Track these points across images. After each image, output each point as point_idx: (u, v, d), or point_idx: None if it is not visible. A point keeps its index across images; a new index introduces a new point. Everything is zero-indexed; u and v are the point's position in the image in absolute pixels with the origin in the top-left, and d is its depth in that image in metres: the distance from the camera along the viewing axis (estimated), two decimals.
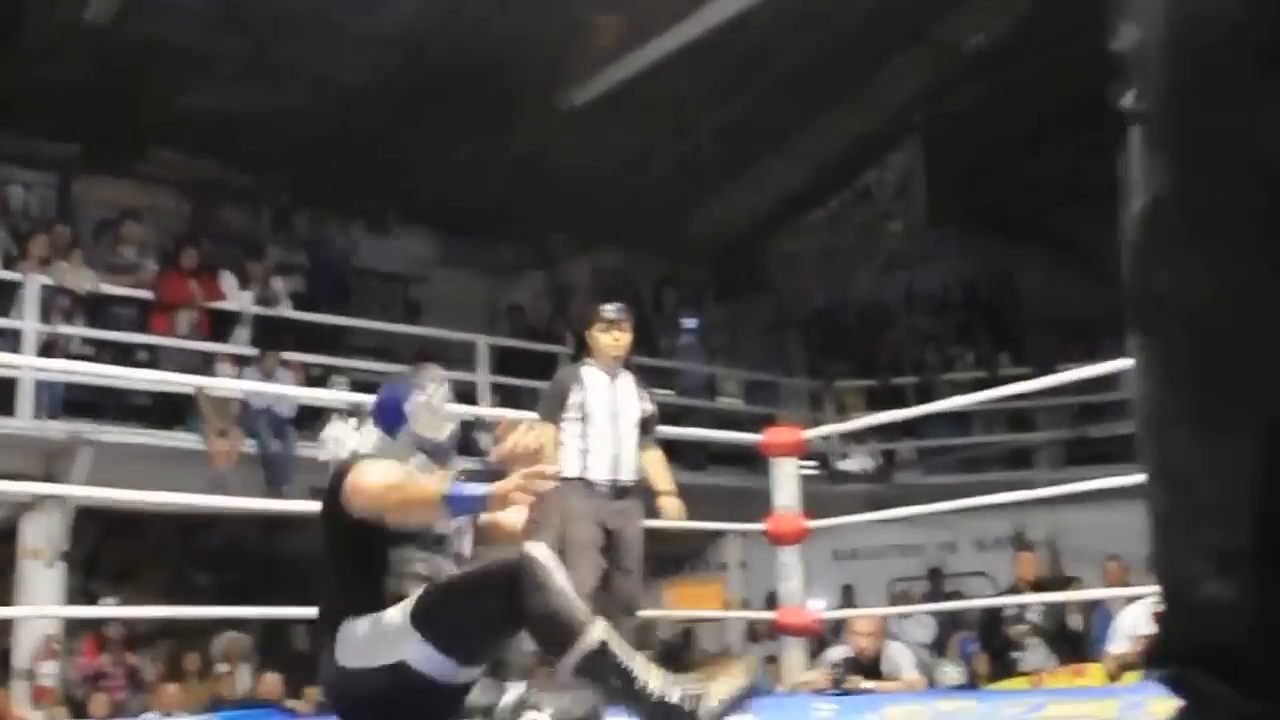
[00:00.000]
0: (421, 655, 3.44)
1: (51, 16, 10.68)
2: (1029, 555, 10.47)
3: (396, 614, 3.49)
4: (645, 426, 6.02)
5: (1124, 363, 6.49)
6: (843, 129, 14.24)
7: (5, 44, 10.79)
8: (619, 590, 5.80)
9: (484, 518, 3.83)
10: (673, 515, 6.00)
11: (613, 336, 6.04)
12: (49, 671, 9.28)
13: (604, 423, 5.86)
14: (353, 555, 3.64)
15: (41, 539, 9.56)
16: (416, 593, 3.53)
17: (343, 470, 3.63)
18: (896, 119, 14.44)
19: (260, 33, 11.05)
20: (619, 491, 5.84)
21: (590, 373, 6.04)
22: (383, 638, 3.49)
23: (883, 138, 15.04)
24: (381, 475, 3.52)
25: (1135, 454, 1.08)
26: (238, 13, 10.79)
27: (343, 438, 3.92)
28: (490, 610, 3.45)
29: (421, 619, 3.45)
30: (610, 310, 6.14)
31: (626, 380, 6.08)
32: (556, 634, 3.36)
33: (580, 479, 5.76)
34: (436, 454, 3.89)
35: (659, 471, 6.05)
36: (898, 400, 13.59)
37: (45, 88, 11.16)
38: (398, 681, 3.45)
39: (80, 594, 10.16)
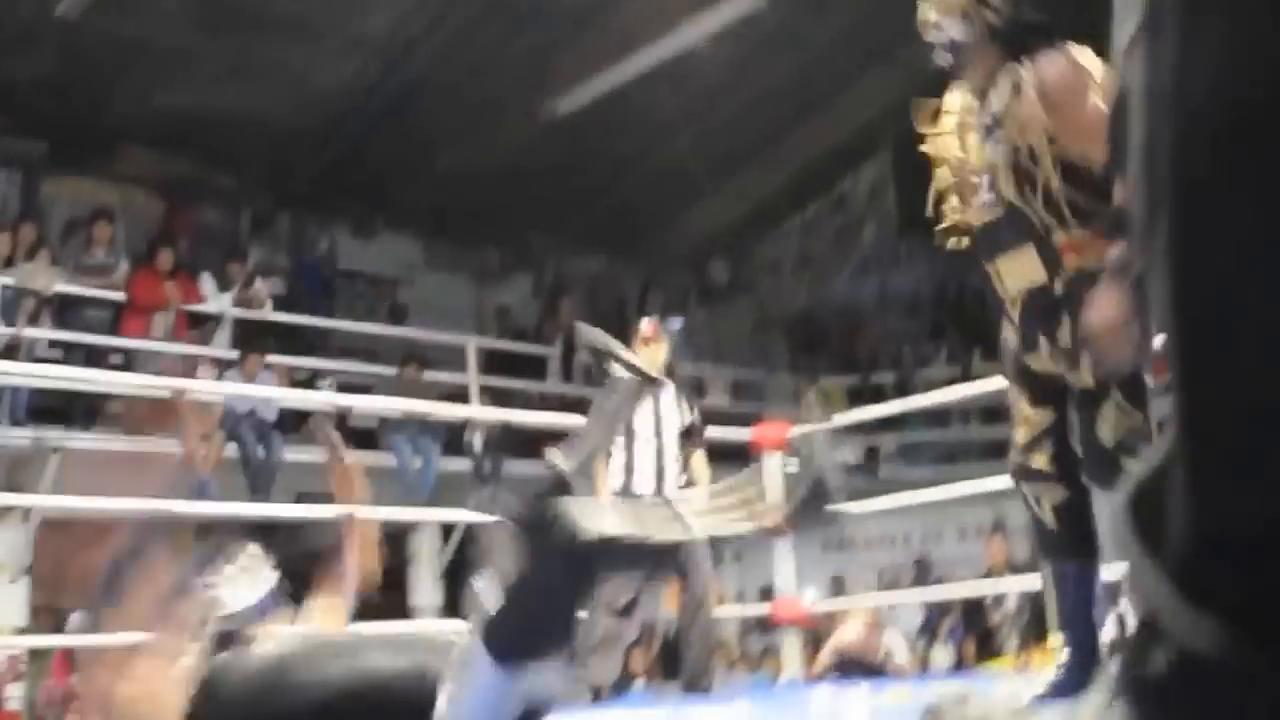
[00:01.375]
0: None
1: (17, 9, 9.44)
2: (999, 540, 10.12)
3: None
4: (689, 434, 5.76)
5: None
6: (817, 141, 13.81)
7: None
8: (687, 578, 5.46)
9: None
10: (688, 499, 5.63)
11: (649, 352, 5.75)
12: (14, 694, 8.11)
13: (648, 439, 5.59)
14: None
15: (3, 553, 8.28)
16: None
17: None
18: (867, 132, 13.87)
19: (241, 33, 10.05)
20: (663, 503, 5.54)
21: None
22: None
23: (855, 149, 14.65)
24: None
25: None
26: (217, 12, 9.83)
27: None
28: None
29: None
30: (644, 326, 5.91)
31: (668, 393, 5.77)
32: None
33: (625, 492, 5.48)
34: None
35: (699, 472, 5.81)
36: (878, 397, 12.82)
37: (10, 83, 9.91)
38: None
39: (46, 611, 8.69)
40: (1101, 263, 2.79)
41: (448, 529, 10.41)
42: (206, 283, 10.16)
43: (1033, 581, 8.64)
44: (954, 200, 3.32)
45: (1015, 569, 9.49)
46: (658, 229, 14.28)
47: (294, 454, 9.22)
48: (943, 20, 3.14)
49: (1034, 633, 8.87)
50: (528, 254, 14.19)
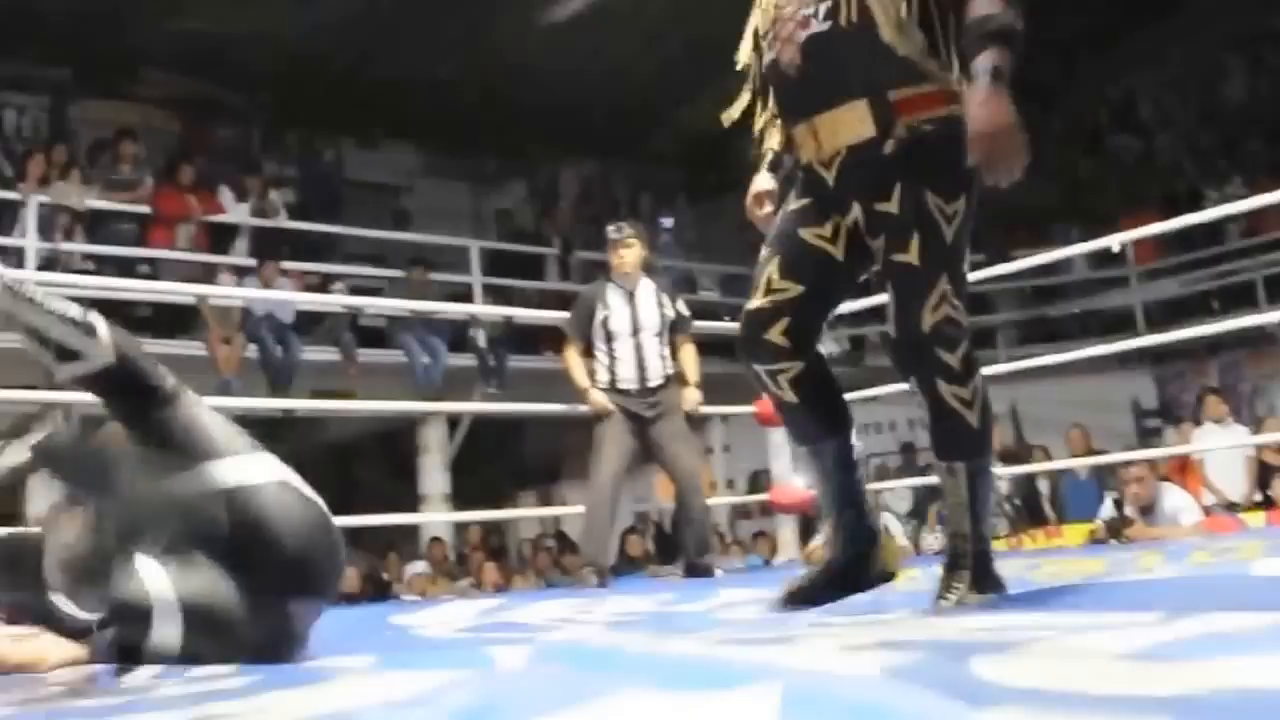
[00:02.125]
0: None
1: None
2: None
3: None
4: (675, 328, 6.00)
5: (1071, 249, 6.30)
6: None
7: None
8: (672, 465, 5.86)
9: None
10: (687, 405, 5.94)
11: (617, 256, 5.98)
12: None
13: (626, 337, 5.86)
14: None
15: None
16: None
17: None
18: None
19: None
20: (647, 393, 5.84)
21: (611, 290, 5.99)
22: None
23: None
24: None
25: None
26: None
27: None
28: None
29: None
30: (610, 231, 6.09)
31: (647, 291, 6.01)
32: None
33: (611, 388, 5.83)
34: None
35: (688, 366, 6.03)
36: (864, 288, 13.14)
37: (35, 14, 10.41)
38: None
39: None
40: (936, 123, 2.54)
41: (454, 421, 11.07)
42: (225, 195, 10.68)
43: (1021, 468, 9.18)
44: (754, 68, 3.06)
45: (1002, 455, 9.48)
46: (647, 132, 14.51)
47: (310, 353, 9.89)
48: None
49: (1023, 516, 9.39)
50: (522, 159, 14.48)
